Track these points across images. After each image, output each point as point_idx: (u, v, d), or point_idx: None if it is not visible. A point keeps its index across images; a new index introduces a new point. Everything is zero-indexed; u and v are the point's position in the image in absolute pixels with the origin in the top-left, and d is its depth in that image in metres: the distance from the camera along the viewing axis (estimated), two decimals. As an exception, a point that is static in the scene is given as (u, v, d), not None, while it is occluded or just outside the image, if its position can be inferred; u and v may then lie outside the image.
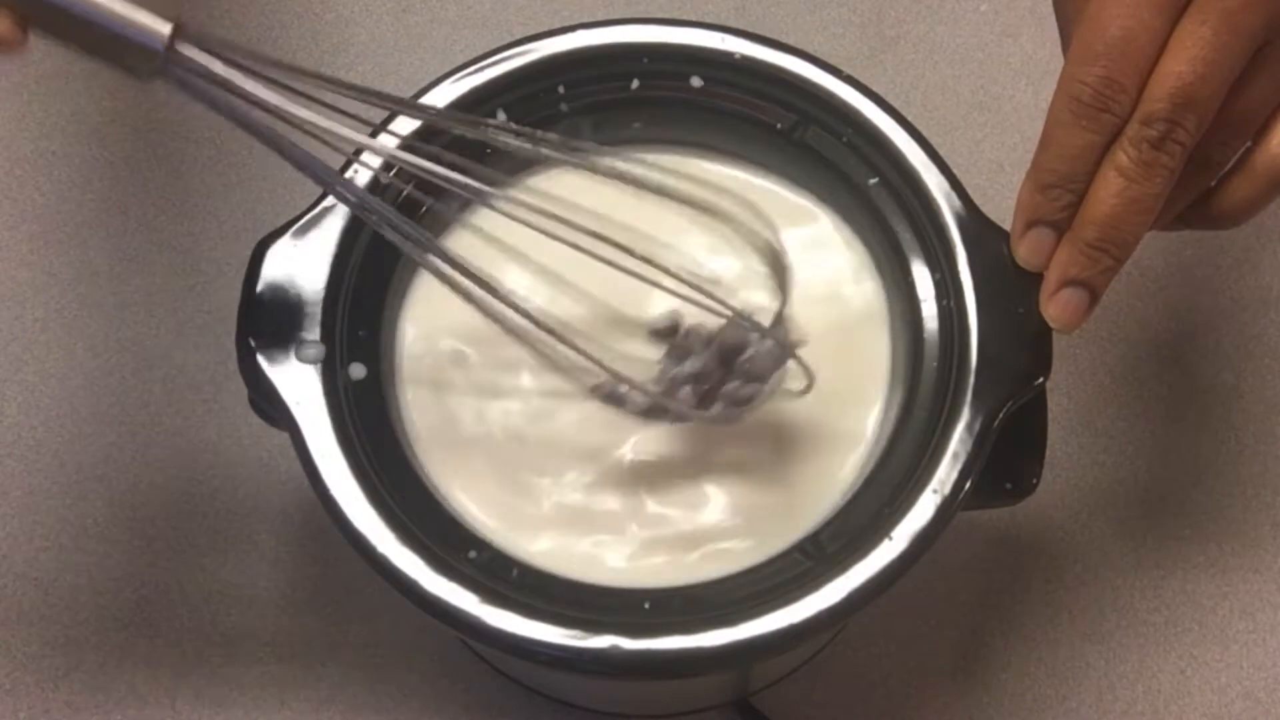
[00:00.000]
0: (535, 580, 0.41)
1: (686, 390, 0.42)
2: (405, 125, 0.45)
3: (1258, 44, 0.40)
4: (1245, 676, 0.54)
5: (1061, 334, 0.42)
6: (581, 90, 0.47)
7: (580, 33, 0.47)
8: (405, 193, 0.45)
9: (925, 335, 0.44)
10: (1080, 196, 0.41)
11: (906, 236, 0.45)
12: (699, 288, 0.41)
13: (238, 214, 0.61)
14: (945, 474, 0.41)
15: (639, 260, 0.41)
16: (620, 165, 0.41)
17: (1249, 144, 0.42)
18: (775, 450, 0.45)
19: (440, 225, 0.47)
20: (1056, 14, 0.44)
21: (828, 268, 0.47)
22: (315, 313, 0.43)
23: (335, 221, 0.44)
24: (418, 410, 0.45)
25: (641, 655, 0.39)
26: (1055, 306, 0.42)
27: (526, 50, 0.47)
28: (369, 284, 0.45)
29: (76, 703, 0.53)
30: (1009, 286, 0.43)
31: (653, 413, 0.42)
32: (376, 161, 0.44)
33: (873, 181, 0.46)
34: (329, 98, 0.39)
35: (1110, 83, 0.39)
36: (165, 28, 0.36)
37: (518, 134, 0.42)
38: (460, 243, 0.45)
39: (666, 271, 0.41)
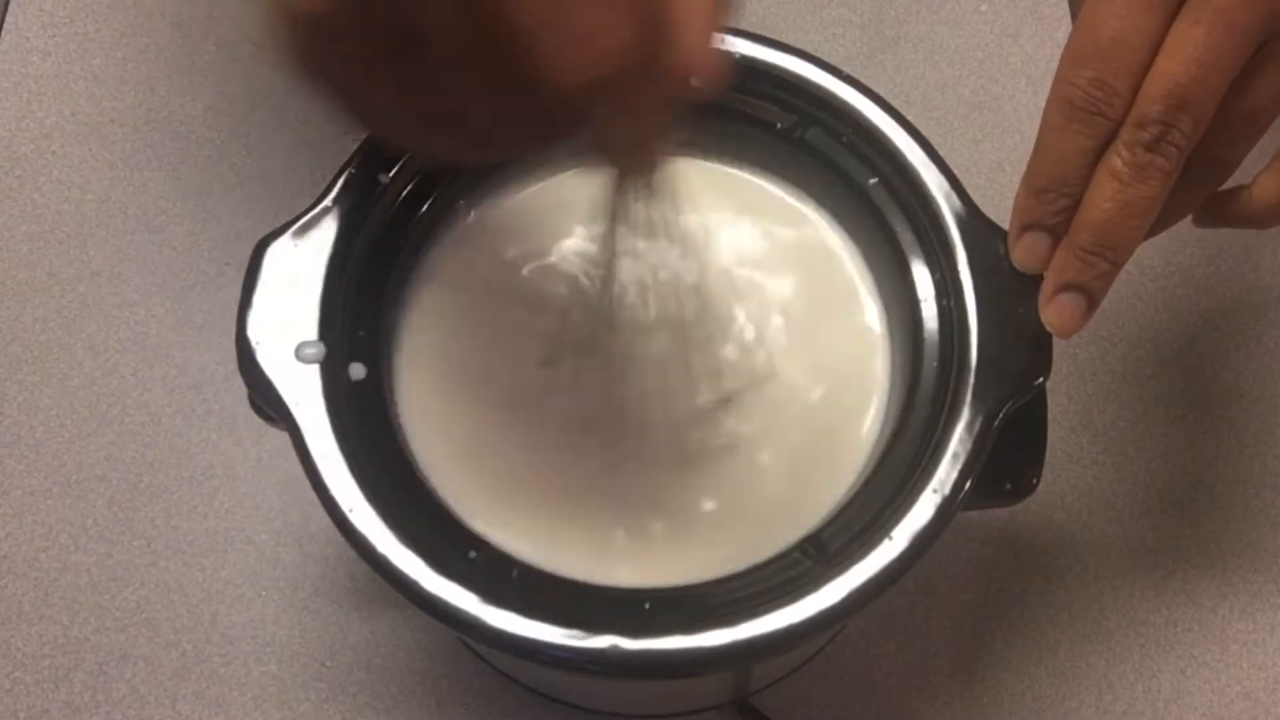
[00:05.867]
0: (535, 580, 0.41)
1: None
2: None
3: (1257, 42, 0.39)
4: (1245, 676, 0.54)
5: (1061, 338, 0.42)
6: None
7: (580, 33, 0.47)
8: (407, 190, 0.46)
9: (925, 335, 0.44)
10: (1075, 200, 0.41)
11: (906, 236, 0.45)
12: None
13: (238, 214, 0.61)
14: (945, 474, 0.41)
15: None
16: None
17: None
18: (775, 450, 0.45)
19: (442, 221, 0.47)
20: (1071, 11, 0.44)
21: (827, 268, 0.47)
22: (315, 313, 0.43)
23: (335, 221, 0.44)
24: (417, 410, 0.45)
25: (641, 655, 0.39)
26: (1053, 311, 0.42)
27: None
28: (369, 284, 0.44)
29: (76, 703, 0.53)
30: (1009, 287, 0.43)
31: None
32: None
33: (873, 181, 0.46)
34: None
35: (1101, 85, 0.39)
36: None
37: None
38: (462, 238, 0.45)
39: None
